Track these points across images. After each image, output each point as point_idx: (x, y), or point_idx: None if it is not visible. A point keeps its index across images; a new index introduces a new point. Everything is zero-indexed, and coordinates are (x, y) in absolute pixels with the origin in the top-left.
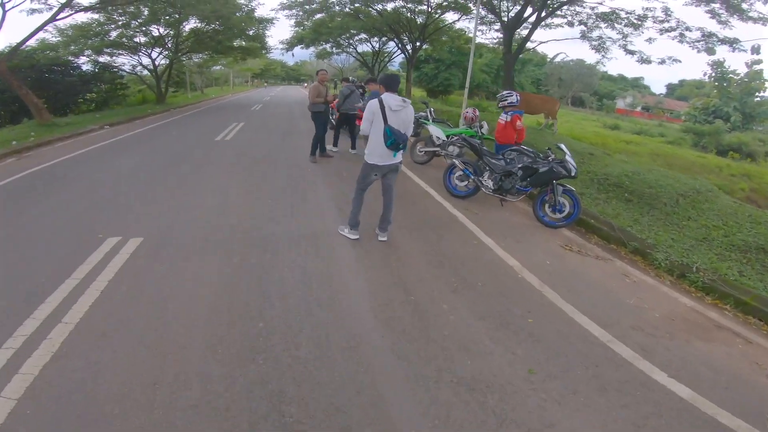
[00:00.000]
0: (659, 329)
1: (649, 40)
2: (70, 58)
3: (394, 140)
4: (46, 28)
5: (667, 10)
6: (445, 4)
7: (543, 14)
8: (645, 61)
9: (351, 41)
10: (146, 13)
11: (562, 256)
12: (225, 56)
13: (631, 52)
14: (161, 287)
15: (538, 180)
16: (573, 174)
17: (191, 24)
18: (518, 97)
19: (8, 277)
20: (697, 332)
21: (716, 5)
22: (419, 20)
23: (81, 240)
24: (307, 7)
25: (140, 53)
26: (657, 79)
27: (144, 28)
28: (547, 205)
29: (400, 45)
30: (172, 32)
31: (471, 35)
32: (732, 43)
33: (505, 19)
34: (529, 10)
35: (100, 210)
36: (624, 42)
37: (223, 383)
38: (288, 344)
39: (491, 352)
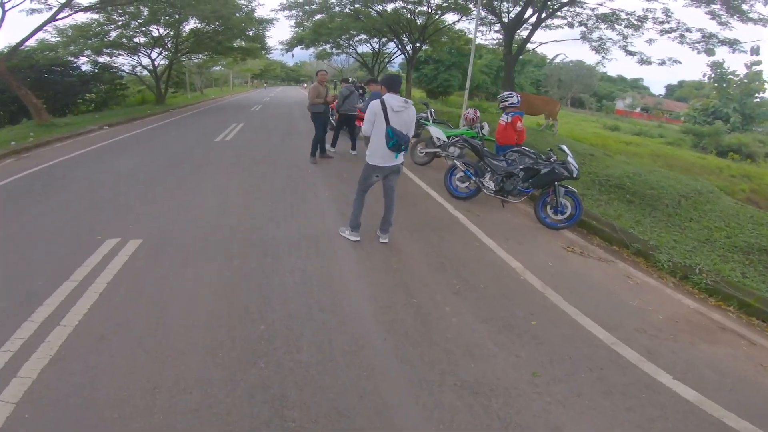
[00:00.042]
0: (663, 331)
1: (650, 41)
2: (69, 58)
3: (396, 141)
4: (45, 28)
5: (667, 11)
6: (445, 5)
7: (543, 15)
8: (645, 62)
9: (351, 42)
10: (146, 13)
11: (565, 257)
12: (225, 57)
13: (632, 53)
14: (160, 289)
15: (540, 181)
16: (575, 175)
17: (191, 24)
18: (519, 98)
19: (7, 278)
20: (702, 334)
21: (716, 6)
22: (419, 21)
23: (80, 241)
24: (307, 7)
25: (140, 53)
26: (656, 80)
27: (144, 29)
28: (548, 207)
29: (399, 46)
30: (171, 32)
31: (471, 36)
32: (732, 44)
33: (506, 20)
34: (530, 11)
35: (99, 211)
36: (624, 43)
37: (224, 388)
38: (289, 348)
39: (495, 355)
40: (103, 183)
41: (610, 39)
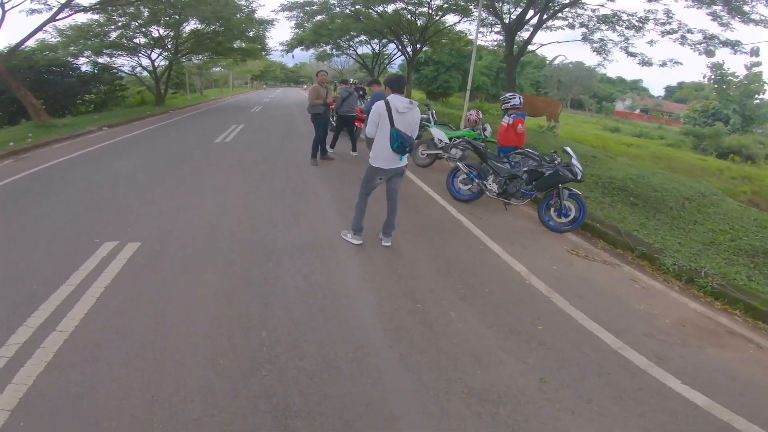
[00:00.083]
0: (671, 336)
1: (651, 42)
2: (69, 58)
3: (400, 143)
4: (45, 28)
5: (668, 12)
6: (445, 6)
7: (545, 16)
8: (646, 63)
9: (351, 43)
10: (146, 13)
11: (569, 261)
12: (225, 58)
13: (633, 55)
14: (159, 295)
15: (544, 184)
16: (579, 178)
17: (191, 25)
18: (521, 100)
19: (2, 281)
20: (709, 338)
21: (718, 7)
22: (419, 22)
23: (77, 244)
24: (308, 8)
25: (140, 54)
26: (656, 82)
27: (144, 29)
28: (552, 210)
29: (400, 47)
30: (171, 33)
31: (471, 37)
32: (734, 45)
33: (507, 21)
34: (531, 12)
35: (97, 213)
36: (626, 44)
37: (226, 397)
38: (292, 355)
39: (502, 361)
40: (102, 184)
41: (611, 40)
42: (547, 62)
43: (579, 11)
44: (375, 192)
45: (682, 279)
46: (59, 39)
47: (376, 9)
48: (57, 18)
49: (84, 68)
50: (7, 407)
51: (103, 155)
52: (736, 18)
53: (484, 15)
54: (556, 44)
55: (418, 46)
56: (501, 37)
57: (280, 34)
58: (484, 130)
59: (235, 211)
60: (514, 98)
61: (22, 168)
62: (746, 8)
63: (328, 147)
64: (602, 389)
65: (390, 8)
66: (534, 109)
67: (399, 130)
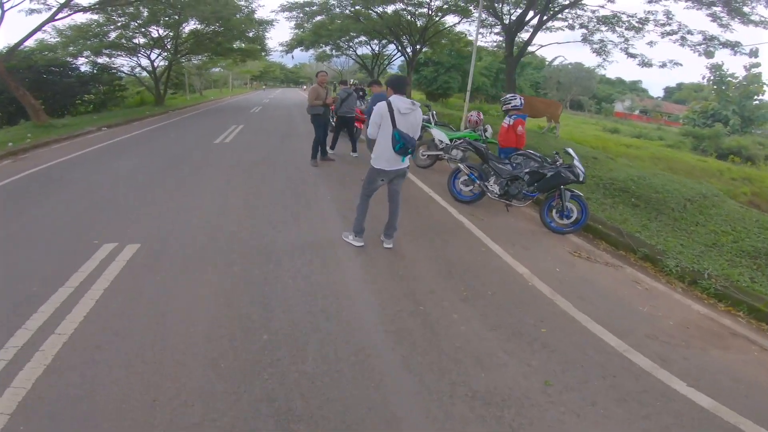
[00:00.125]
0: (675, 337)
1: (651, 43)
2: (68, 59)
3: (402, 144)
4: (44, 28)
5: (668, 14)
6: (445, 7)
7: (545, 17)
8: (646, 64)
9: (351, 44)
10: (146, 14)
11: (572, 262)
12: (224, 58)
13: (633, 56)
14: (159, 297)
15: (546, 185)
16: (581, 179)
17: (191, 25)
18: (522, 101)
19: (0, 283)
20: (713, 340)
21: (718, 8)
22: (419, 23)
23: (76, 245)
24: (307, 9)
25: (139, 54)
26: (655, 83)
27: (143, 29)
28: (554, 211)
29: (399, 47)
30: (171, 33)
31: (471, 38)
32: (734, 46)
33: (507, 22)
34: (531, 13)
35: (96, 214)
36: (625, 45)
37: (227, 400)
38: (294, 358)
39: (505, 363)
40: (101, 185)
41: (611, 41)
42: (547, 63)
43: (579, 12)
44: (376, 193)
45: (685, 281)
46: (58, 39)
47: (376, 10)
48: (56, 18)
49: (83, 68)
50: (6, 411)
51: (102, 156)
52: (736, 19)
53: (484, 16)
54: (556, 45)
55: (418, 46)
56: (501, 38)
57: (279, 34)
58: (485, 131)
59: (235, 211)
60: (515, 99)
61: (21, 168)
62: (746, 9)
63: (328, 148)
64: (607, 392)
65: (390, 9)
66: (534, 111)
67: (401, 131)
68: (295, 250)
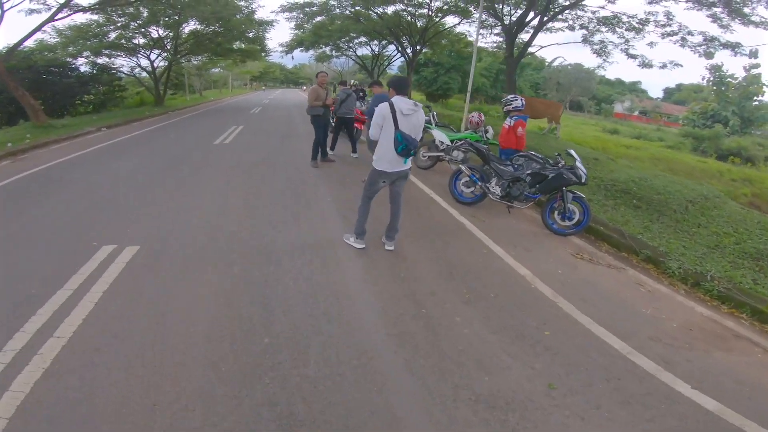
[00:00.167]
0: (678, 340)
1: (651, 44)
2: (67, 59)
3: (405, 146)
4: (44, 28)
5: (669, 14)
6: (445, 7)
7: (545, 18)
8: (646, 65)
9: (351, 44)
10: (145, 14)
11: (574, 264)
12: (224, 59)
13: (633, 57)
14: (159, 299)
15: (548, 187)
16: (583, 180)
17: (191, 26)
18: (523, 102)
19: None
20: (716, 342)
21: (718, 9)
22: (419, 24)
23: (75, 247)
24: (308, 9)
25: (139, 55)
26: (654, 83)
27: (143, 30)
28: (556, 213)
29: (399, 48)
30: (171, 34)
31: (471, 39)
32: (734, 47)
33: (507, 22)
34: (531, 14)
35: (95, 215)
36: (626, 46)
37: (228, 404)
38: (296, 362)
39: (509, 366)
40: (100, 186)
41: (611, 42)
42: (546, 64)
43: (579, 13)
44: (377, 195)
45: (688, 282)
46: (58, 39)
47: (376, 10)
48: (56, 18)
49: (83, 69)
50: (5, 415)
51: (101, 156)
52: (737, 20)
53: (484, 17)
54: (556, 46)
55: (418, 47)
56: (501, 39)
57: (279, 35)
58: (486, 132)
59: (235, 212)
60: (516, 100)
61: (20, 169)
62: (746, 10)
63: (328, 149)
64: (611, 394)
65: (390, 10)
66: (534, 112)
67: (403, 133)
68: (296, 250)
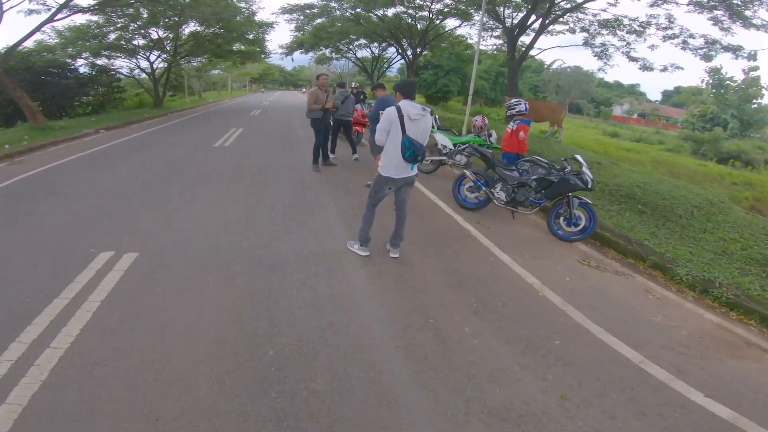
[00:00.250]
0: (690, 348)
1: (652, 47)
2: (66, 60)
3: (412, 152)
4: (43, 29)
5: (670, 17)
6: (446, 10)
7: (547, 21)
8: (647, 68)
9: (350, 47)
10: (145, 15)
11: (582, 272)
12: (224, 60)
13: (634, 59)
14: (159, 309)
15: (554, 192)
16: (590, 186)
17: (191, 27)
18: (527, 106)
19: None
20: (728, 350)
21: (719, 12)
22: (420, 26)
23: (71, 254)
24: (308, 11)
25: (138, 56)
26: (653, 86)
27: (143, 31)
28: (561, 218)
29: (400, 50)
30: (171, 35)
31: (471, 42)
32: (735, 50)
33: (508, 25)
34: (533, 17)
35: (93, 220)
36: (627, 49)
37: (234, 420)
38: (303, 375)
39: (520, 378)
40: (98, 190)
41: (612, 45)
42: (545, 67)
43: (580, 16)
44: (381, 202)
45: (696, 289)
46: (57, 40)
47: (377, 12)
48: (55, 19)
49: (82, 70)
50: (3, 428)
51: (99, 159)
52: (737, 23)
53: (485, 19)
54: (558, 49)
55: (418, 50)
56: (501, 42)
57: (279, 36)
58: (490, 136)
59: (237, 219)
60: (520, 104)
61: (17, 172)
62: (748, 13)
63: (329, 152)
64: (625, 405)
65: (390, 12)
66: (537, 115)
67: (411, 138)
68: (300, 260)
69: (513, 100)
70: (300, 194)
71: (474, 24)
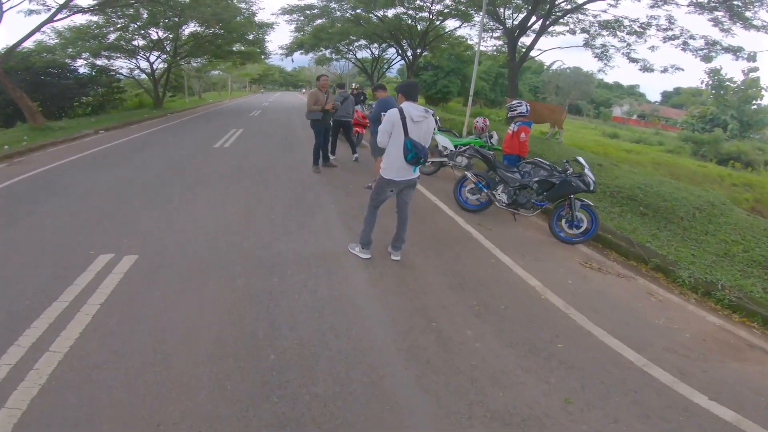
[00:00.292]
0: (692, 350)
1: (652, 48)
2: (66, 60)
3: (415, 154)
4: (43, 29)
5: (670, 18)
6: (446, 11)
7: (547, 22)
8: (648, 69)
9: (351, 47)
10: (145, 15)
11: (584, 274)
12: (224, 61)
13: (635, 60)
14: (159, 312)
15: (556, 194)
16: (592, 188)
17: (191, 28)
18: (528, 108)
19: None
20: (730, 352)
21: (719, 13)
22: (420, 27)
23: (71, 255)
24: (308, 12)
25: (138, 57)
26: (652, 87)
27: (143, 31)
28: (563, 221)
29: (400, 51)
30: (171, 36)
31: (471, 43)
32: (736, 51)
33: (509, 26)
34: (533, 17)
35: (92, 222)
36: (627, 50)
37: (236, 425)
38: (304, 379)
39: (523, 381)
40: (97, 191)
41: (613, 46)
42: (545, 68)
43: (581, 17)
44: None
45: (699, 292)
46: (57, 40)
47: (377, 13)
48: (55, 19)
49: (81, 70)
50: None
51: (99, 160)
52: (738, 24)
53: (485, 20)
54: (558, 50)
55: (419, 50)
56: (501, 43)
57: (279, 37)
58: (491, 137)
59: (237, 220)
60: (521, 106)
61: (16, 173)
62: (748, 14)
63: (329, 153)
64: (629, 408)
65: (390, 13)
66: (537, 116)
67: (413, 140)
68: (301, 262)
69: (514, 102)
70: (300, 195)
71: (474, 25)
